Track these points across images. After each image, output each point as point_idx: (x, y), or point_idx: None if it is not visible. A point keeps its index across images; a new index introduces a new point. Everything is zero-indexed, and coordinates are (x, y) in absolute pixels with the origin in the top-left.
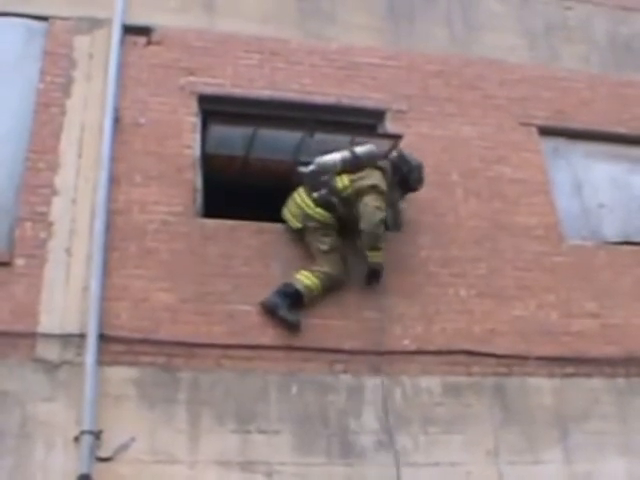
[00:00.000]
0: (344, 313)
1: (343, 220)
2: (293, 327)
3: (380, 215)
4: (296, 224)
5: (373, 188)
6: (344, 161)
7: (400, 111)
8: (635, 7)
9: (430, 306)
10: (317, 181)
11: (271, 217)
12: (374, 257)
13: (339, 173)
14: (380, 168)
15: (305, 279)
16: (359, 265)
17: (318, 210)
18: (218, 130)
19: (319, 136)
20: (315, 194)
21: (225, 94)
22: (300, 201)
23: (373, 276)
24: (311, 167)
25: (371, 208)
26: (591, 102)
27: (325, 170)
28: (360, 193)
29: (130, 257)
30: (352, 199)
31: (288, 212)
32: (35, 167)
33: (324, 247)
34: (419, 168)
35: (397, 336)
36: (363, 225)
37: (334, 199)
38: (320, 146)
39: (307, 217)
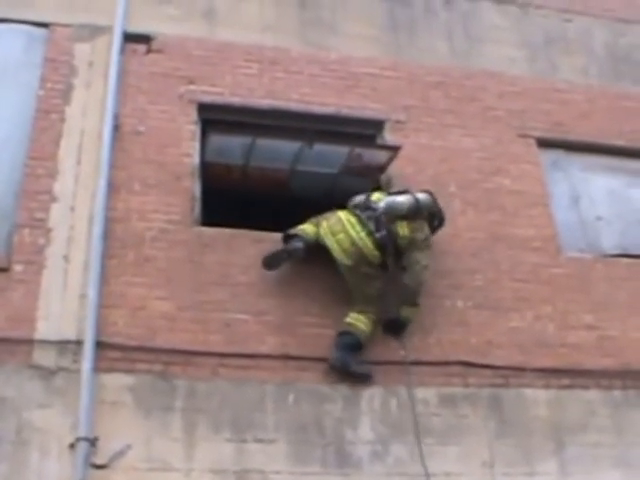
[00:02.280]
0: (341, 323)
1: (386, 264)
2: (366, 378)
3: (426, 274)
4: (346, 261)
5: (424, 242)
6: (409, 208)
7: (399, 122)
8: (634, 19)
9: (427, 317)
10: (378, 217)
11: (269, 226)
12: (408, 312)
13: (401, 218)
14: (426, 218)
15: (363, 326)
16: None
17: (375, 253)
18: (217, 139)
19: (318, 146)
20: (377, 234)
21: (224, 103)
22: (357, 239)
23: (396, 328)
24: (381, 205)
25: (420, 266)
26: (590, 114)
27: (393, 212)
28: (412, 245)
29: (128, 265)
30: (403, 248)
31: (337, 245)
32: (34, 173)
33: (373, 292)
34: (442, 215)
35: (394, 347)
36: (409, 281)
37: (390, 243)
38: (319, 156)
39: (363, 258)
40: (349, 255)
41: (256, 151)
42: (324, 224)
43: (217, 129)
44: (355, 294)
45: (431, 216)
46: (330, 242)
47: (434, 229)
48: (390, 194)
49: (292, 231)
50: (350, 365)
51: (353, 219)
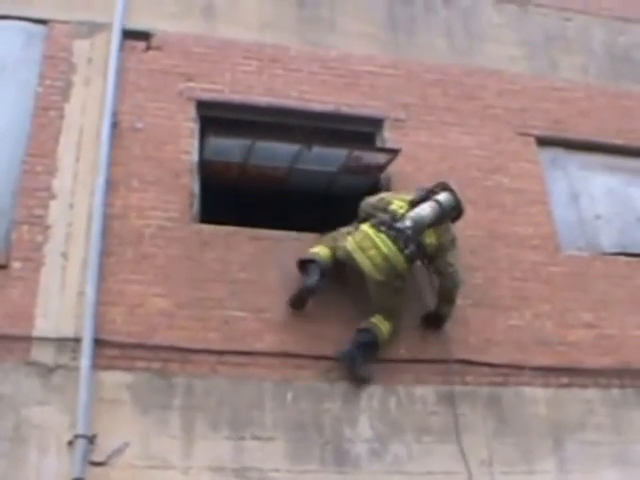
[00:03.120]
0: (340, 321)
1: (412, 274)
2: (364, 381)
3: (461, 273)
4: (378, 277)
5: (452, 242)
6: (435, 215)
7: (398, 120)
8: (634, 18)
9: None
10: (407, 236)
11: (268, 223)
12: (446, 309)
13: (427, 227)
14: (449, 215)
15: (385, 330)
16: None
17: (405, 266)
18: (216, 139)
19: (317, 148)
20: (407, 251)
21: (223, 100)
22: (390, 254)
23: (436, 322)
24: (408, 224)
25: (454, 269)
26: (589, 113)
27: (420, 227)
28: (441, 249)
29: (126, 262)
30: (433, 253)
31: (369, 261)
32: (33, 170)
33: (398, 304)
34: (461, 206)
35: (393, 345)
36: (449, 284)
37: (420, 255)
38: (317, 157)
39: (395, 274)
40: (380, 271)
41: (255, 152)
42: (350, 240)
43: (216, 129)
44: (381, 305)
45: (453, 210)
46: (361, 258)
47: (453, 220)
48: (412, 204)
49: (307, 257)
50: (356, 363)
51: (383, 235)
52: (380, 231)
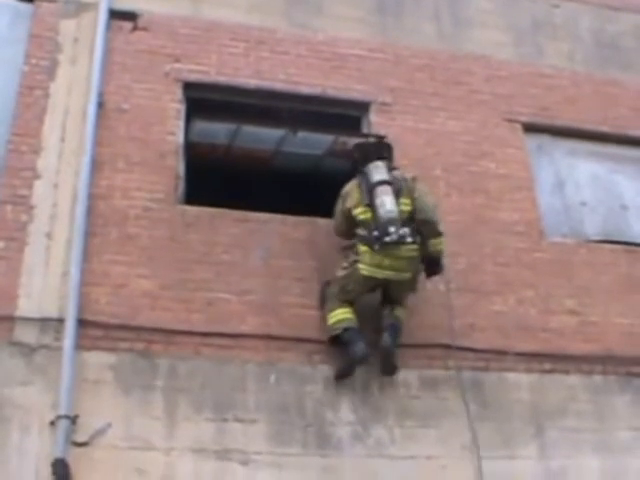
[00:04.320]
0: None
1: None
2: (394, 371)
3: (432, 198)
4: (407, 275)
5: (414, 181)
6: (393, 192)
7: (385, 103)
8: (621, 6)
9: (409, 299)
10: (402, 235)
11: (253, 205)
12: (438, 244)
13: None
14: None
15: (404, 318)
16: None
17: (418, 247)
18: (202, 122)
19: (302, 133)
20: (409, 239)
21: (210, 82)
22: (403, 253)
23: (434, 265)
24: (393, 229)
25: (428, 197)
26: (576, 100)
27: (399, 216)
28: (417, 197)
29: (111, 242)
30: (415, 207)
31: (391, 271)
32: (18, 150)
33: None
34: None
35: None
36: (429, 215)
37: (415, 227)
38: (303, 142)
39: (415, 259)
40: (406, 269)
41: (241, 135)
42: (362, 266)
43: (202, 113)
44: (406, 295)
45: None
46: (382, 273)
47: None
48: (370, 204)
49: (337, 330)
50: (393, 354)
51: (390, 246)
52: (378, 249)
